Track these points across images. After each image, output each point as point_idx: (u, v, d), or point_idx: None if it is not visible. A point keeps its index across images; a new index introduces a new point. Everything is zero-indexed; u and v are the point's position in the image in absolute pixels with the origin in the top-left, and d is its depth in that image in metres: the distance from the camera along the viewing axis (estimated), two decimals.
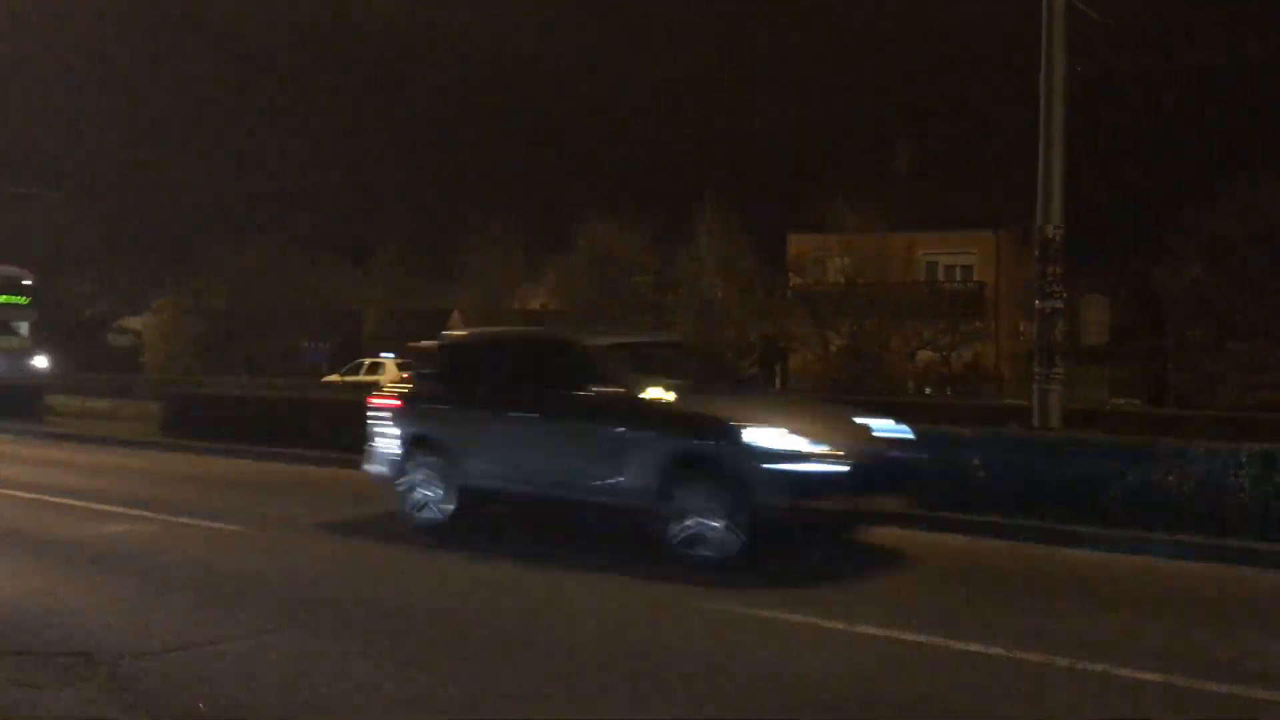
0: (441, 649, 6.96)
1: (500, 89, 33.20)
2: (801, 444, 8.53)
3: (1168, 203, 33.68)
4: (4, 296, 29.98)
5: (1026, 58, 18.82)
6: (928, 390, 35.24)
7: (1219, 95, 24.15)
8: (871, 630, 7.26)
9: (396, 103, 35.31)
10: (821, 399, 12.81)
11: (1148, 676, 6.27)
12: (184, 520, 11.64)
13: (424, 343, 18.42)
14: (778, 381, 38.29)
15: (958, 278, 40.56)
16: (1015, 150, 20.97)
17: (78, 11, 39.53)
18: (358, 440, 16.90)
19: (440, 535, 10.50)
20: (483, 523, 10.68)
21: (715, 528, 8.54)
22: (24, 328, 30.34)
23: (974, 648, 6.85)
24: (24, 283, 30.59)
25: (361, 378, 36.03)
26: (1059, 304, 14.39)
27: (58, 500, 13.02)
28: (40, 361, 29.67)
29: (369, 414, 11.56)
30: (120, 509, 12.38)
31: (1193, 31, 23.84)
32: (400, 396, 11.49)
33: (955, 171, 39.94)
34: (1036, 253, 14.71)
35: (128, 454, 18.69)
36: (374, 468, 11.44)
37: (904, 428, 9.77)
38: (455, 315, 30.96)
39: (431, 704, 5.97)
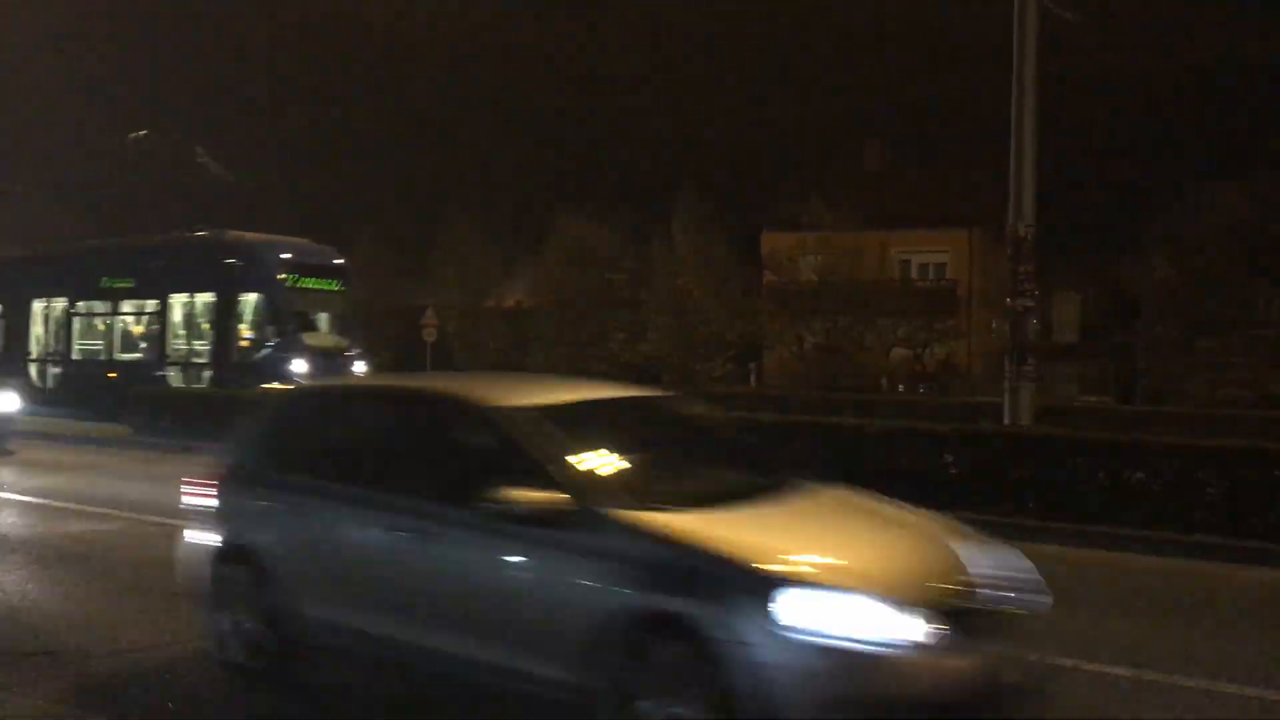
0: None
1: (477, 85, 33.08)
2: None
3: (1139, 201, 33.99)
4: (316, 281, 22.95)
5: (1001, 57, 18.94)
6: (900, 388, 35.38)
7: (1188, 97, 24.41)
8: None
9: (373, 99, 35.15)
10: None
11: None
12: (152, 519, 11.54)
13: None
14: (752, 379, 38.37)
15: (931, 276, 40.77)
16: (988, 149, 21.08)
17: (58, 3, 39.11)
18: None
19: None
20: None
21: None
22: (338, 322, 23.44)
23: None
24: (334, 262, 23.88)
25: None
26: (1030, 302, 14.49)
27: (25, 499, 12.87)
28: (360, 366, 22.55)
29: None
30: (88, 507, 12.27)
31: (1168, 34, 24.07)
32: None
33: (929, 170, 40.15)
34: (1009, 251, 14.81)
35: (97, 452, 18.50)
36: None
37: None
38: (429, 312, 30.89)
39: (407, 704, 5.94)
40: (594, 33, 32.87)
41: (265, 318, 22.20)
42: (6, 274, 27.52)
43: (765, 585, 4.46)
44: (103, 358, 24.88)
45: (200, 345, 23.27)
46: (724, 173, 30.09)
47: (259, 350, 21.91)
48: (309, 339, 22.24)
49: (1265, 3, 23.92)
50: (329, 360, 21.65)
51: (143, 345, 24.46)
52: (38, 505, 12.48)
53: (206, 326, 23.12)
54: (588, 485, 5.17)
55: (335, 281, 23.43)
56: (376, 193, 32.77)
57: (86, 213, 39.70)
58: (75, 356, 25.23)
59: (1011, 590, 4.95)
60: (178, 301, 23.62)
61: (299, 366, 21.09)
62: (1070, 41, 20.16)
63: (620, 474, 5.45)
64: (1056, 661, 6.52)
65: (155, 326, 23.99)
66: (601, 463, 5.50)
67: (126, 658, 6.58)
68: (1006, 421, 14.01)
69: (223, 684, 6.15)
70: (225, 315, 22.55)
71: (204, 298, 23.18)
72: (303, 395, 9.12)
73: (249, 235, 23.70)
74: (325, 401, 7.18)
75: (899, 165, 41.71)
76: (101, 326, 25.31)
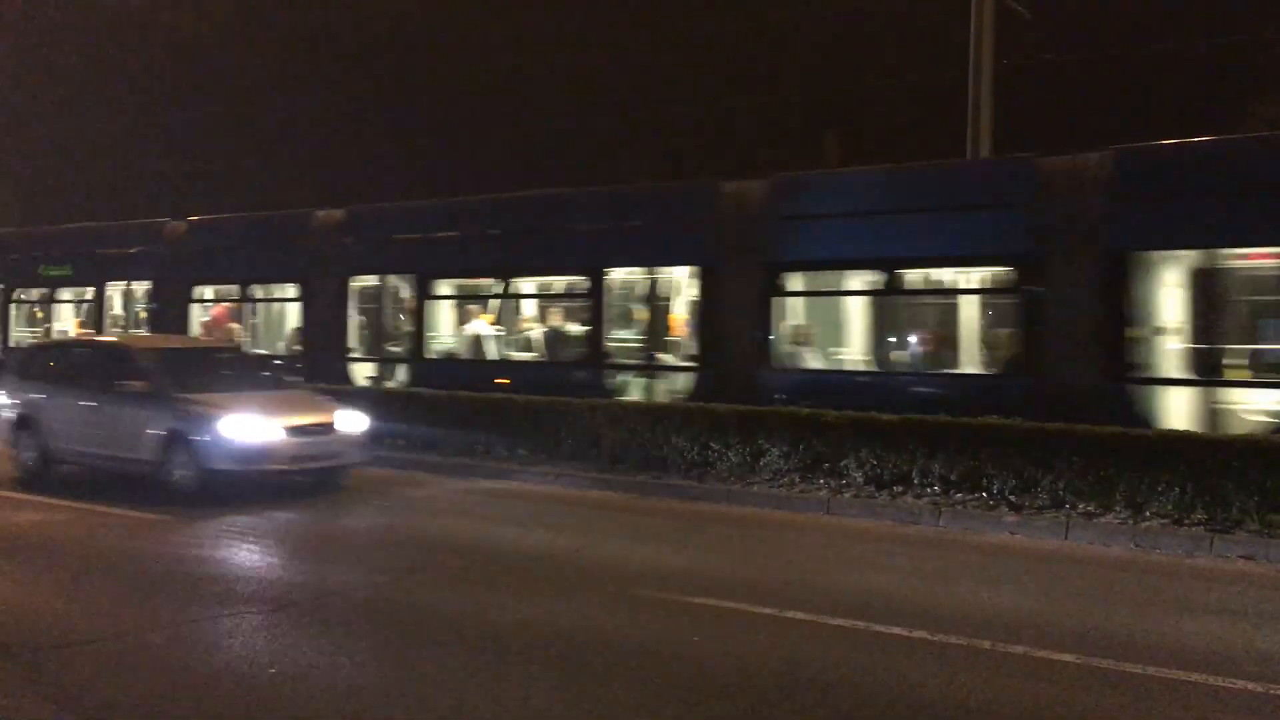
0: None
1: (431, 75, 32.76)
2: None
3: None
4: None
5: (956, 49, 19.14)
6: None
7: (1144, 91, 24.77)
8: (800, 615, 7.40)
9: (333, 82, 34.67)
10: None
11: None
12: (102, 509, 11.40)
13: None
14: None
15: None
16: (944, 141, 21.26)
17: None
18: None
19: None
20: None
21: None
22: None
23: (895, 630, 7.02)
24: None
25: None
26: None
27: None
28: None
29: None
30: (37, 498, 12.10)
31: (1124, 28, 24.41)
32: None
33: (888, 162, 40.30)
34: None
35: None
36: None
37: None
38: None
39: (362, 695, 5.92)
40: (547, 22, 32.64)
41: None
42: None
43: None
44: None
45: None
46: (678, 163, 30.07)
47: None
48: None
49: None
50: None
51: None
52: None
53: None
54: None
55: None
56: (340, 180, 32.45)
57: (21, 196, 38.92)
58: None
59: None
60: None
61: None
62: (1025, 34, 20.38)
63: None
64: (1008, 649, 6.65)
65: None
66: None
67: (78, 650, 6.51)
68: None
69: (176, 677, 6.09)
70: None
71: None
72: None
73: None
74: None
75: (858, 157, 41.89)
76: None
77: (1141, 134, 13.56)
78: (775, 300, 13.86)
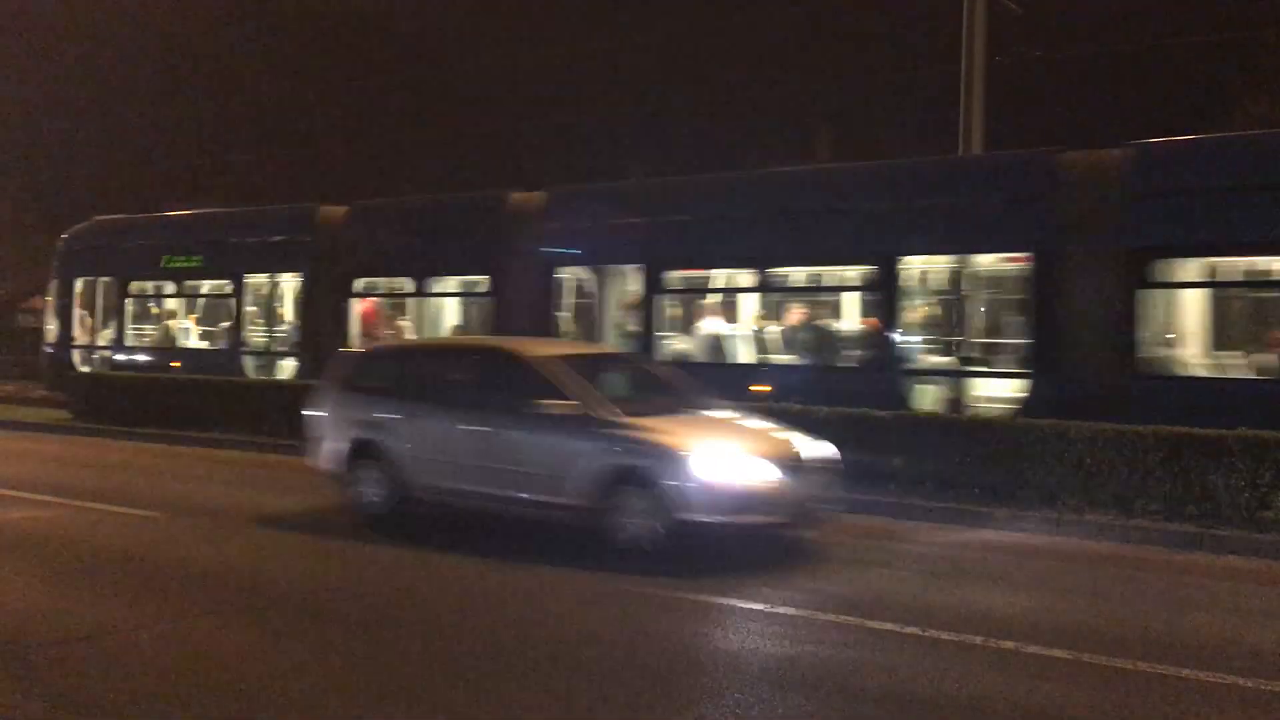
0: (359, 636, 6.90)
1: (401, 67, 32.76)
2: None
3: None
4: None
5: (949, 45, 19.16)
6: None
7: (1134, 86, 24.83)
8: (790, 611, 7.37)
9: (308, 75, 34.54)
10: None
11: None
12: (94, 506, 11.36)
13: None
14: None
15: None
16: (935, 137, 21.29)
17: None
18: (275, 424, 16.45)
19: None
20: None
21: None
22: None
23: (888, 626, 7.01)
24: None
25: None
26: None
27: None
28: None
29: None
30: (29, 494, 12.05)
31: (1113, 23, 24.45)
32: None
33: (877, 158, 40.28)
34: None
35: (38, 439, 18.15)
36: None
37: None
38: None
39: (348, 692, 5.91)
40: (525, 15, 32.54)
41: None
42: None
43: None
44: None
45: None
46: (669, 159, 30.17)
47: None
48: None
49: None
50: None
51: None
52: None
53: None
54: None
55: None
56: (316, 174, 32.39)
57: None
58: None
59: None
60: None
61: None
62: (1017, 31, 20.42)
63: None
64: (999, 644, 6.66)
65: None
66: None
67: (68, 647, 6.48)
68: None
69: (169, 675, 6.07)
70: None
71: None
72: None
73: None
74: None
75: (848, 154, 41.85)
76: None
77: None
78: (1140, 293, 11.56)
